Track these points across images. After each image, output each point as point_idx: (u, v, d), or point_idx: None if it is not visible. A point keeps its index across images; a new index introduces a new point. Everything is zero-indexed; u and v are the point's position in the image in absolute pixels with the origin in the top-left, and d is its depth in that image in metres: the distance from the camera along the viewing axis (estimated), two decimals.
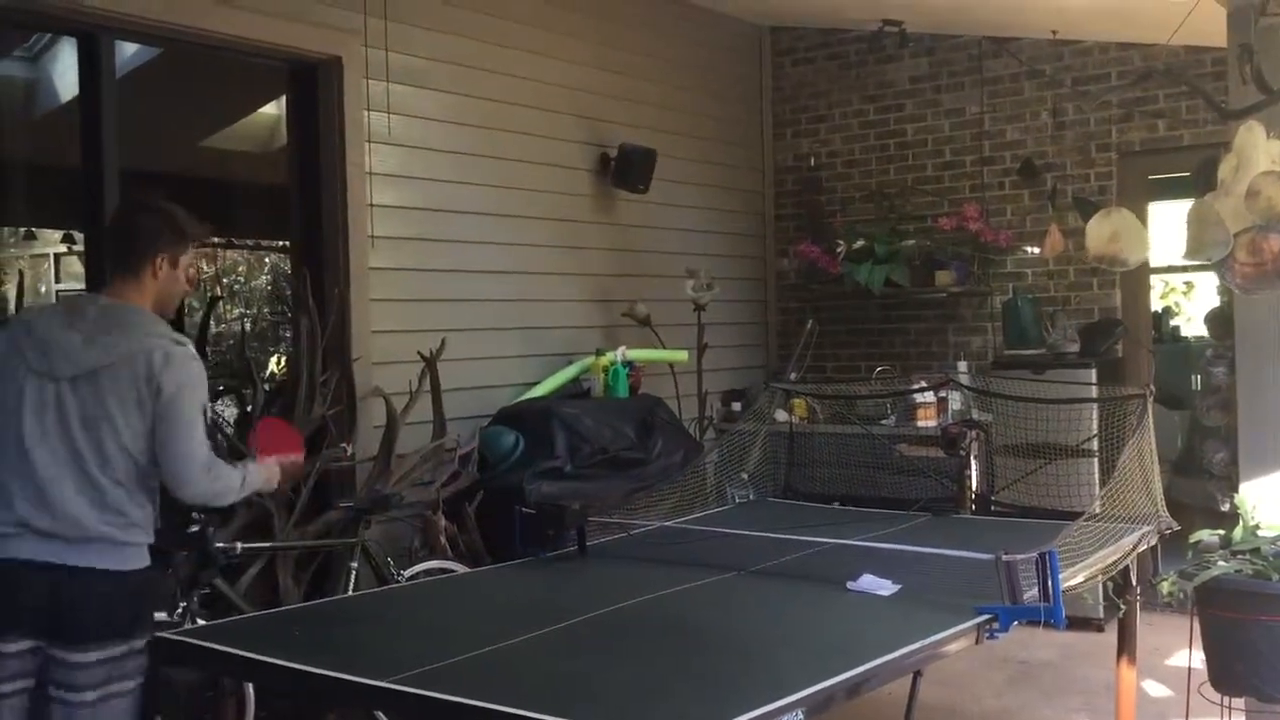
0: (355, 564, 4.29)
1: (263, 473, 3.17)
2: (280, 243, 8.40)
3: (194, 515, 3.93)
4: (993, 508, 4.68)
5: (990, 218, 6.91)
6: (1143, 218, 6.56)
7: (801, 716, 2.28)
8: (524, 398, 5.64)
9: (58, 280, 10.42)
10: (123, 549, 2.89)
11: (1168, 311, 9.96)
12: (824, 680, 2.41)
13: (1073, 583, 3.26)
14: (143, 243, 3.00)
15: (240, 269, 11.86)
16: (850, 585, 3.27)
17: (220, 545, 3.89)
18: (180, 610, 3.69)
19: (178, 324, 5.41)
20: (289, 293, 4.78)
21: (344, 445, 4.59)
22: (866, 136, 7.46)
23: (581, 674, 2.62)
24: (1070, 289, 6.80)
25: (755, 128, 7.66)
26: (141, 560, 2.94)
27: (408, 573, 4.44)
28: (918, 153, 7.28)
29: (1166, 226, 6.88)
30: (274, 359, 8.11)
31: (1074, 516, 3.58)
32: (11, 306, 7.24)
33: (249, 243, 10.38)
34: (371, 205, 5.10)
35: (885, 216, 7.24)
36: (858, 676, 2.48)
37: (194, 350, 3.04)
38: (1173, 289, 10.58)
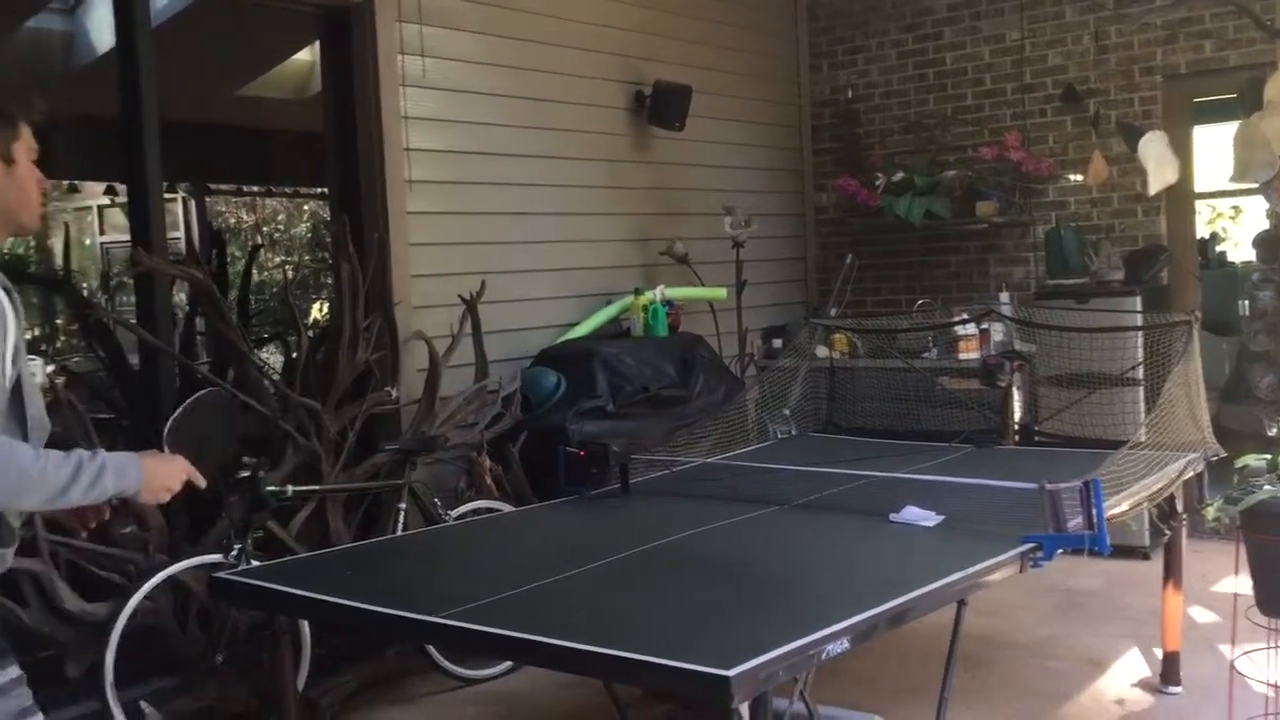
0: (403, 505, 4.36)
1: (132, 470, 2.08)
2: (319, 190, 8.45)
3: (244, 459, 4.01)
4: (1036, 438, 4.67)
5: (1032, 146, 6.80)
6: (1188, 142, 6.49)
7: (846, 645, 2.31)
8: (564, 339, 5.67)
9: (101, 232, 10.56)
10: None
11: (1214, 237, 9.80)
12: (867, 610, 2.43)
13: (1117, 510, 3.26)
14: None
15: (280, 217, 11.95)
16: (893, 517, 3.28)
17: (271, 489, 3.97)
18: (235, 552, 3.78)
19: (221, 275, 5.49)
20: (329, 239, 4.80)
21: (388, 389, 4.64)
22: (905, 66, 7.34)
23: (627, 607, 2.67)
24: (1114, 216, 6.70)
25: (791, 61, 7.56)
26: None
27: (454, 513, 4.50)
28: (957, 81, 7.17)
29: (1213, 151, 6.74)
30: (316, 305, 8.20)
31: (1119, 446, 3.56)
32: (59, 260, 7.34)
33: (288, 190, 10.45)
34: (408, 149, 5.11)
35: (924, 148, 7.15)
36: (901, 606, 2.51)
37: None
38: (1220, 214, 10.40)
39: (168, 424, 2.43)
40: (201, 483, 2.30)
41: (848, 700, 3.68)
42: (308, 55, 6.90)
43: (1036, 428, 4.83)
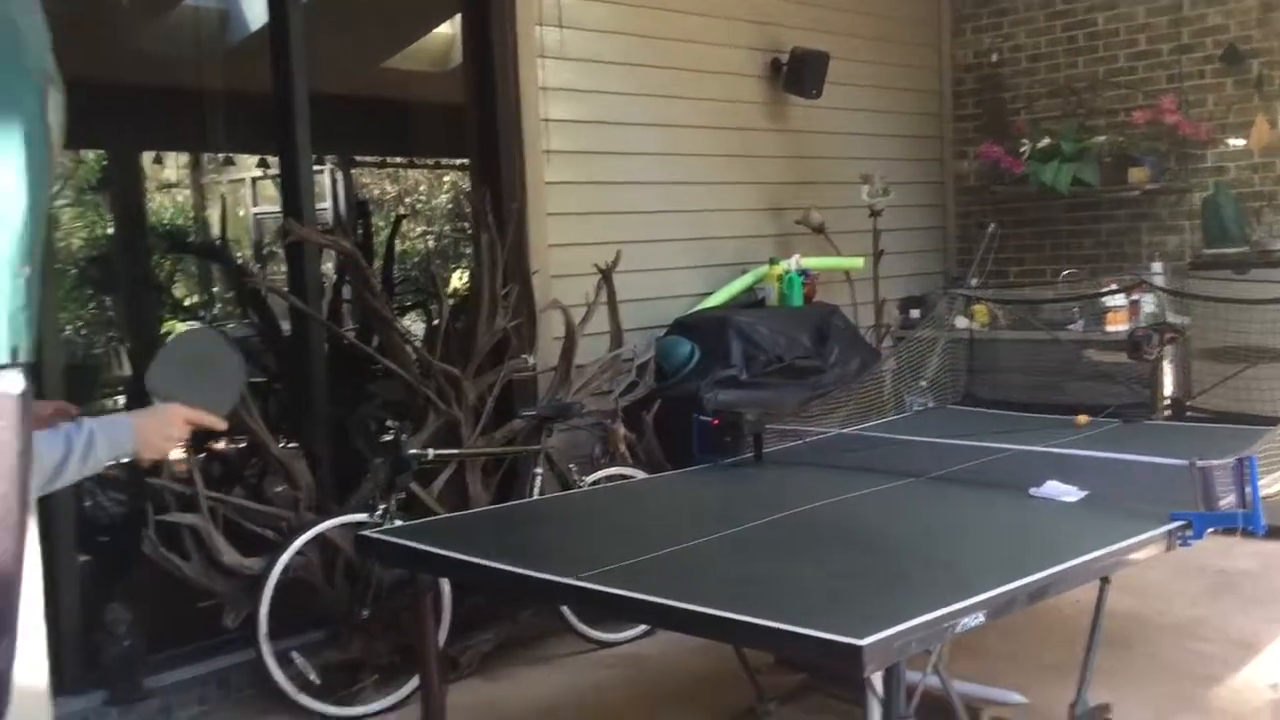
0: (539, 470, 4.45)
1: (123, 433, 2.01)
2: (459, 161, 8.62)
3: (388, 424, 4.15)
4: (1188, 414, 4.49)
5: (1189, 109, 6.50)
6: None
7: (982, 619, 2.27)
8: (699, 308, 5.68)
9: (254, 204, 10.99)
10: None
11: None
12: (1005, 584, 2.39)
13: (1274, 490, 3.12)
14: None
15: (422, 188, 12.24)
16: (1033, 491, 3.21)
17: (413, 452, 4.09)
18: (380, 512, 3.91)
19: (366, 245, 5.66)
20: (468, 210, 4.91)
21: (525, 356, 4.73)
22: (1053, 29, 7.09)
23: (761, 574, 2.67)
24: (1278, 183, 6.36)
25: (933, 25, 7.38)
26: None
27: (589, 478, 4.57)
28: (1109, 43, 6.88)
29: None
30: (456, 275, 8.39)
31: (1277, 422, 3.41)
32: (216, 230, 7.66)
33: (429, 162, 10.69)
34: (546, 120, 5.17)
35: (1073, 113, 6.90)
36: (1040, 581, 2.45)
37: None
38: None
39: (146, 372, 2.12)
40: (212, 423, 2.19)
41: (987, 677, 3.63)
42: (449, 29, 7.04)
43: (1189, 403, 4.65)
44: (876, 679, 2.42)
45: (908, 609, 2.20)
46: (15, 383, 1.25)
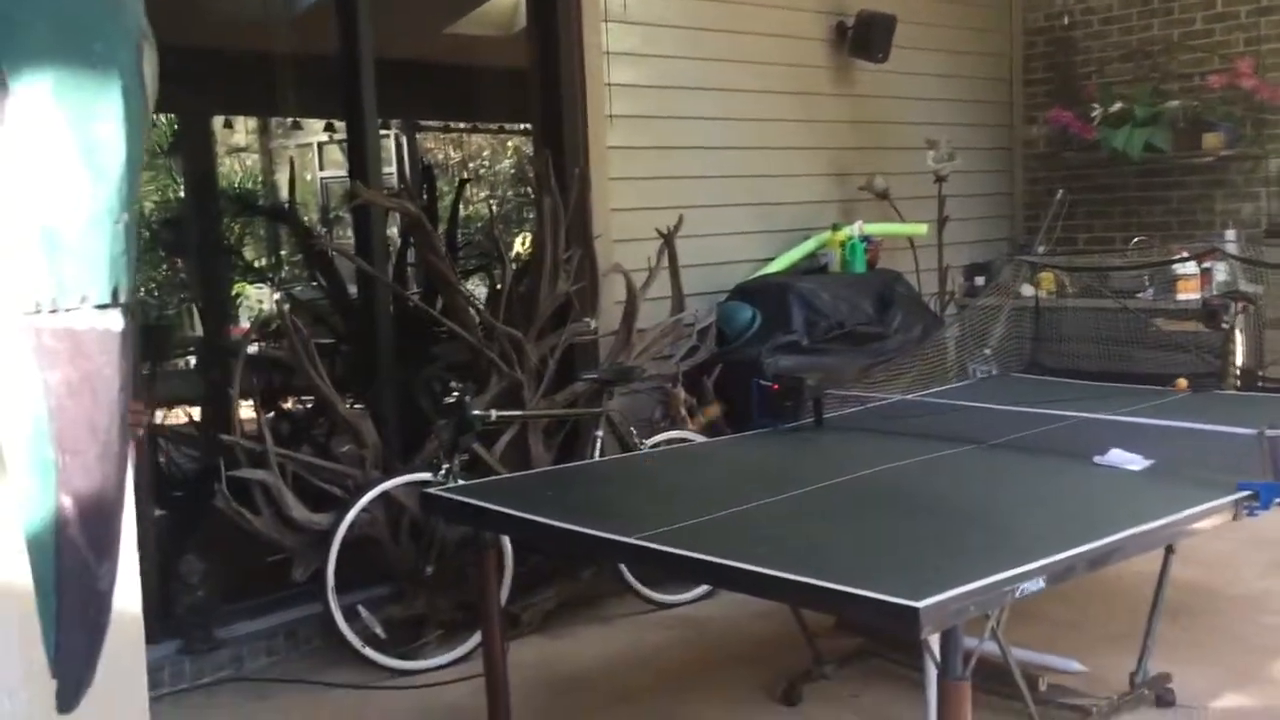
0: (600, 432, 4.48)
1: None
2: (522, 126, 8.64)
3: (452, 385, 4.21)
4: (1260, 384, 4.41)
5: (1267, 73, 6.33)
6: None
7: (1041, 584, 2.27)
8: (760, 273, 5.67)
9: (321, 168, 11.11)
10: None
11: None
12: (1066, 549, 2.38)
13: None
14: None
15: (485, 153, 12.30)
16: (1097, 459, 3.18)
17: (477, 413, 4.14)
18: (444, 471, 3.98)
19: (431, 208, 5.71)
20: (532, 174, 4.94)
21: (587, 320, 4.76)
22: None
23: (820, 537, 2.69)
24: None
25: None
26: None
27: (649, 441, 4.60)
28: (1185, 4, 6.72)
29: None
30: (519, 239, 8.43)
31: None
32: (284, 193, 7.77)
33: (493, 127, 10.73)
34: (609, 84, 5.17)
35: (1146, 77, 6.75)
36: (1102, 548, 2.44)
37: None
38: None
39: None
40: None
41: (1046, 644, 3.62)
42: None
43: (1261, 372, 4.56)
44: (934, 642, 2.44)
45: (966, 572, 2.20)
46: (116, 321, 1.31)
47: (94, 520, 1.33)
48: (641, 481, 3.61)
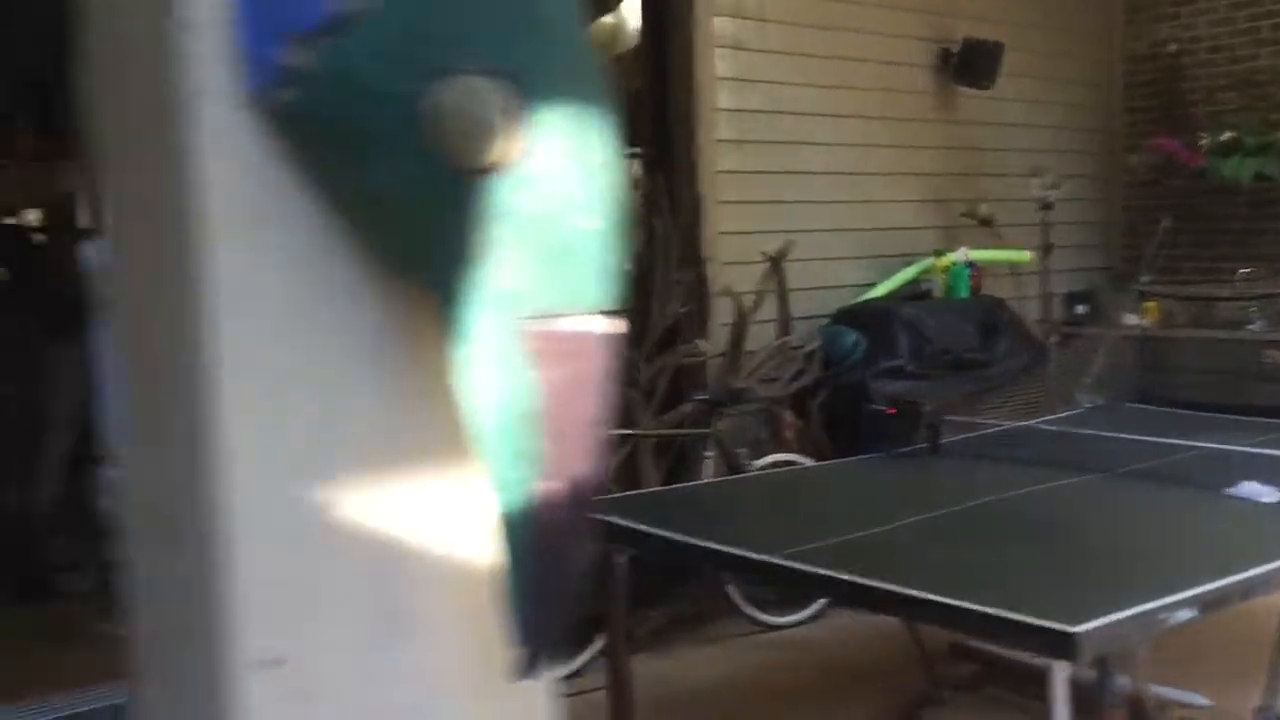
0: (709, 453, 4.53)
1: None
2: (633, 149, 8.71)
3: None
4: None
5: None
6: None
7: (1195, 613, 2.26)
8: (863, 298, 5.68)
9: None
10: None
11: None
12: (1216, 579, 2.37)
13: None
14: None
15: None
16: (1229, 491, 3.15)
17: None
18: None
19: None
20: (640, 196, 5.01)
21: (698, 342, 4.81)
22: (1235, 19, 6.84)
23: (957, 561, 2.70)
24: None
25: (1105, 15, 7.20)
26: None
27: (758, 463, 4.63)
28: None
29: None
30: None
31: None
32: None
33: None
34: (719, 109, 5.24)
35: (1254, 105, 6.66)
36: (1254, 579, 2.43)
37: None
38: None
39: None
40: None
41: (1166, 680, 3.57)
42: (612, 17, 7.14)
43: None
44: (1060, 679, 2.44)
45: (1118, 600, 2.21)
46: (603, 324, 1.43)
47: (573, 507, 1.43)
48: (756, 502, 3.63)
